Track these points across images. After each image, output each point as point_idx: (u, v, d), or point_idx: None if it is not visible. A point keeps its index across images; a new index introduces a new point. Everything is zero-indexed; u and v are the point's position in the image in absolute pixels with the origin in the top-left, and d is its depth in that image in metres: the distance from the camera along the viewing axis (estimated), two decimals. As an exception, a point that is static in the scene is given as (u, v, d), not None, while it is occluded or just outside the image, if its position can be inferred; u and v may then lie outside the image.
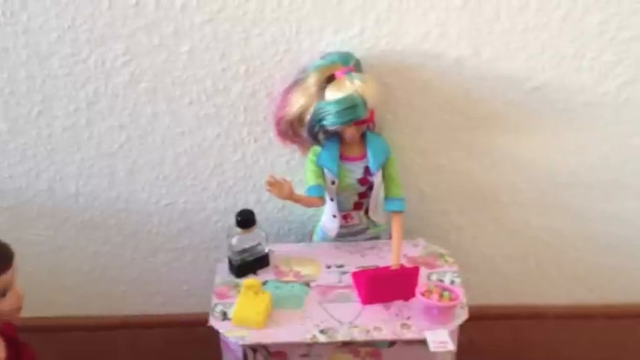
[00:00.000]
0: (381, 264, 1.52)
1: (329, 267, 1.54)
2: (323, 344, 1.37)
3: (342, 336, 1.37)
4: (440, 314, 1.39)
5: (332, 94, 1.41)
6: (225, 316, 1.42)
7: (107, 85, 1.52)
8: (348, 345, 1.39)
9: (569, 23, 1.41)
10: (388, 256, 1.51)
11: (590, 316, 1.85)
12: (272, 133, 1.56)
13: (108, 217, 1.72)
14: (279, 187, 1.40)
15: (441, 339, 1.36)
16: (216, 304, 1.45)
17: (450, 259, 1.55)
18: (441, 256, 1.57)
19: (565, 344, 1.90)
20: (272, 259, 1.56)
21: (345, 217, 1.57)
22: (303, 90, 1.44)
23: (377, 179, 1.51)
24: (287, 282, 1.51)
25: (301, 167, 1.58)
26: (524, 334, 1.89)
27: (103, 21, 1.43)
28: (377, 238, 1.62)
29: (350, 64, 1.42)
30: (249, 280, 1.43)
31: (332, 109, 1.40)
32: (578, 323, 1.86)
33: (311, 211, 1.66)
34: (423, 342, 1.36)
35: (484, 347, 1.91)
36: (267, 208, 1.70)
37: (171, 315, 1.90)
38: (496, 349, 1.92)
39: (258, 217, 1.69)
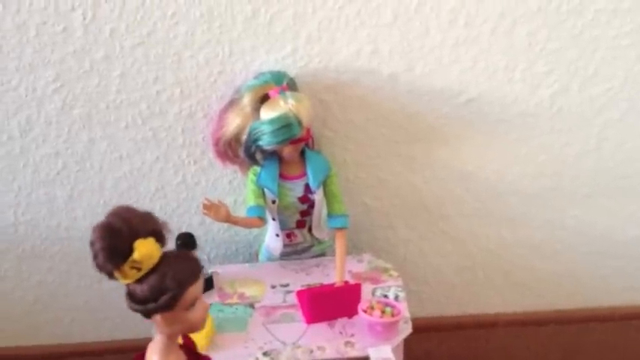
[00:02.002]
0: (326, 281, 1.51)
1: (274, 287, 1.53)
2: (266, 366, 1.36)
3: (285, 358, 1.36)
4: (383, 330, 1.38)
5: (266, 113, 1.40)
6: (167, 342, 1.40)
7: (40, 113, 1.50)
8: (292, 366, 1.37)
9: (498, 36, 1.43)
10: (333, 273, 1.51)
11: (541, 323, 1.87)
12: (212, 155, 1.55)
13: (50, 245, 1.69)
14: (216, 210, 1.39)
15: (384, 355, 1.36)
16: (158, 330, 1.43)
17: (395, 273, 1.55)
18: (386, 270, 1.57)
19: (518, 351, 1.91)
20: (216, 281, 1.54)
21: (288, 236, 1.56)
22: (239, 110, 1.44)
23: (318, 197, 1.51)
24: (231, 304, 1.49)
25: (244, 187, 1.57)
26: (478, 344, 1.90)
27: (31, 48, 1.41)
28: (322, 255, 1.61)
29: (283, 83, 1.42)
30: (190, 305, 1.41)
31: (267, 129, 1.40)
32: (529, 330, 1.88)
33: (256, 230, 1.65)
34: (367, 359, 1.36)
35: (440, 358, 1.92)
36: (213, 230, 1.69)
37: (122, 341, 1.87)
38: (452, 359, 1.93)
39: (204, 239, 1.68)
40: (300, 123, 1.40)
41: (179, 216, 1.66)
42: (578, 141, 1.57)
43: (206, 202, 1.39)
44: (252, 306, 1.48)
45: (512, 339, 1.89)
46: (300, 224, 1.55)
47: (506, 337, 1.89)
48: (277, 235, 1.56)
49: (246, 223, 1.49)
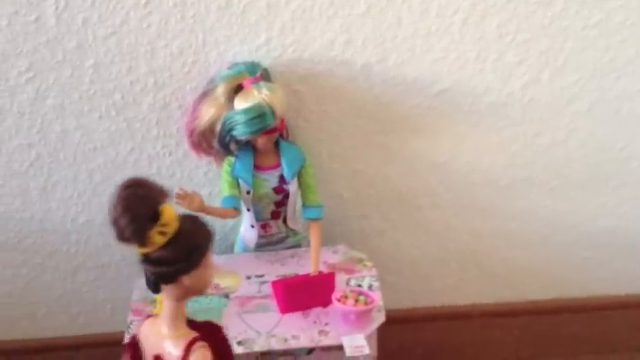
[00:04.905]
0: (301, 272, 1.52)
1: (249, 277, 1.53)
2: (241, 356, 1.36)
3: (259, 346, 1.36)
4: (357, 319, 1.39)
5: (240, 103, 1.41)
6: (141, 332, 1.40)
7: (12, 103, 1.49)
8: (266, 355, 1.38)
9: (469, 27, 1.44)
10: (308, 263, 1.51)
11: (515, 313, 1.89)
12: (186, 146, 1.55)
13: (24, 238, 1.68)
14: (190, 200, 1.39)
15: (358, 343, 1.37)
16: (132, 321, 1.43)
17: (369, 264, 1.56)
18: (360, 260, 1.57)
19: (492, 341, 1.93)
20: (191, 272, 1.54)
21: (263, 227, 1.57)
22: (212, 101, 1.44)
23: (292, 187, 1.51)
24: (206, 295, 1.49)
25: (219, 179, 1.57)
26: (452, 335, 1.92)
27: (3, 38, 1.41)
28: (297, 246, 1.62)
29: (257, 73, 1.42)
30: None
31: (240, 119, 1.40)
32: (503, 321, 1.89)
33: (232, 222, 1.65)
34: (340, 347, 1.36)
35: (415, 349, 1.94)
36: (188, 221, 1.68)
37: (97, 335, 1.86)
38: (427, 351, 1.94)
39: (179, 231, 1.67)
40: (273, 113, 1.41)
41: (154, 208, 1.66)
42: (548, 131, 1.59)
43: (179, 191, 1.39)
44: (227, 296, 1.48)
45: (486, 330, 1.91)
46: (275, 215, 1.56)
47: (481, 328, 1.90)
48: (252, 227, 1.56)
49: (220, 214, 1.49)
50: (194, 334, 1.08)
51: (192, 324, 1.12)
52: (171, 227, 0.99)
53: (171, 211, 0.99)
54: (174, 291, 1.07)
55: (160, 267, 1.02)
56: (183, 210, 1.14)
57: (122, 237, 0.97)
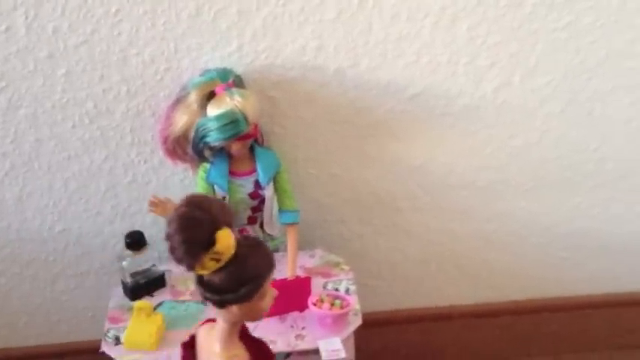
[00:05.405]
0: (279, 277, 1.51)
1: (226, 283, 1.53)
2: (217, 362, 1.36)
3: (235, 352, 1.36)
4: (333, 323, 1.40)
5: (212, 110, 1.41)
6: (118, 340, 1.40)
7: (-15, 113, 1.48)
8: (242, 360, 1.38)
9: (440, 31, 1.45)
10: (285, 268, 1.51)
11: (496, 314, 1.90)
12: (161, 153, 1.55)
13: (1, 248, 1.68)
14: (162, 207, 1.39)
15: (334, 347, 1.37)
16: (109, 329, 1.43)
17: (346, 267, 1.56)
18: (337, 264, 1.58)
19: (474, 342, 1.94)
20: (169, 279, 1.55)
21: (240, 232, 1.57)
22: (185, 108, 1.44)
23: (268, 193, 1.52)
24: (183, 301, 1.50)
25: (196, 186, 1.57)
26: (434, 336, 1.93)
27: (-26, 48, 1.40)
28: (275, 251, 1.61)
29: (229, 79, 1.42)
30: (140, 303, 1.42)
31: (213, 126, 1.40)
32: (484, 321, 1.90)
33: (210, 228, 1.64)
34: (317, 352, 1.37)
35: (398, 351, 1.94)
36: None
37: (79, 342, 1.86)
38: (410, 352, 1.95)
39: (158, 238, 1.67)
40: (246, 119, 1.41)
41: (131, 216, 1.66)
42: (522, 133, 1.60)
43: (152, 199, 1.39)
44: (203, 302, 1.48)
45: (467, 330, 1.92)
46: (252, 220, 1.56)
47: (462, 329, 1.91)
48: (229, 232, 1.56)
49: (194, 220, 1.49)
50: (243, 359, 1.07)
51: (246, 339, 1.10)
52: (225, 255, 0.95)
53: (228, 238, 0.95)
54: (226, 316, 1.04)
55: (209, 292, 1.00)
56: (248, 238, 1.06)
57: (174, 255, 0.94)
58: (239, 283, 0.98)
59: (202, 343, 1.12)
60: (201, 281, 1.01)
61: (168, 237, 0.94)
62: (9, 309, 1.78)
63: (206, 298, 1.01)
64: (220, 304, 1.01)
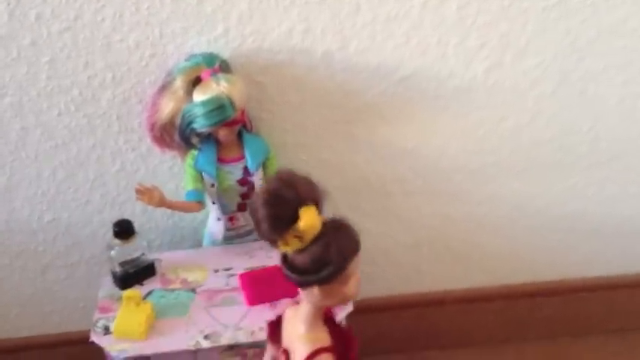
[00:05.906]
0: (270, 264, 1.51)
1: (217, 271, 1.52)
2: (207, 349, 1.35)
3: (225, 339, 1.35)
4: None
5: (198, 96, 1.39)
6: (107, 330, 1.39)
7: (-31, 103, 1.46)
8: (234, 348, 1.37)
9: (429, 11, 1.42)
10: (277, 255, 1.50)
11: (489, 298, 1.89)
12: (149, 141, 1.53)
13: (-11, 238, 1.66)
14: (149, 195, 1.38)
15: (325, 333, 1.36)
16: (98, 319, 1.42)
17: (338, 253, 1.55)
18: (329, 250, 1.56)
19: (468, 326, 1.93)
20: (159, 268, 1.53)
21: (230, 219, 1.55)
22: (171, 94, 1.42)
23: (257, 179, 1.50)
24: (172, 290, 1.48)
25: (184, 173, 1.56)
26: (428, 321, 1.92)
27: (-45, 36, 1.38)
28: (266, 237, 1.60)
29: (215, 64, 1.40)
30: (129, 292, 1.40)
31: (199, 112, 1.38)
32: (477, 306, 1.89)
33: (201, 216, 1.63)
34: (308, 338, 1.36)
35: (392, 336, 1.93)
36: (156, 217, 1.67)
37: (72, 332, 1.85)
38: (404, 337, 1.94)
39: (147, 226, 1.66)
40: (233, 105, 1.39)
41: (120, 204, 1.65)
42: (513, 114, 1.58)
43: (139, 187, 1.38)
44: (193, 290, 1.47)
45: (461, 315, 1.91)
46: (242, 207, 1.54)
47: (456, 314, 1.90)
48: (219, 219, 1.55)
49: (183, 208, 1.48)
50: (325, 343, 1.04)
51: (330, 324, 1.08)
52: (308, 234, 0.93)
53: (312, 217, 0.92)
54: (308, 297, 1.02)
55: (291, 272, 0.98)
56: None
57: (258, 230, 0.93)
58: (320, 264, 0.95)
59: (288, 324, 1.11)
60: (285, 260, 0.99)
61: (254, 211, 0.93)
62: (0, 300, 1.77)
63: (288, 277, 0.99)
64: (301, 285, 0.99)
